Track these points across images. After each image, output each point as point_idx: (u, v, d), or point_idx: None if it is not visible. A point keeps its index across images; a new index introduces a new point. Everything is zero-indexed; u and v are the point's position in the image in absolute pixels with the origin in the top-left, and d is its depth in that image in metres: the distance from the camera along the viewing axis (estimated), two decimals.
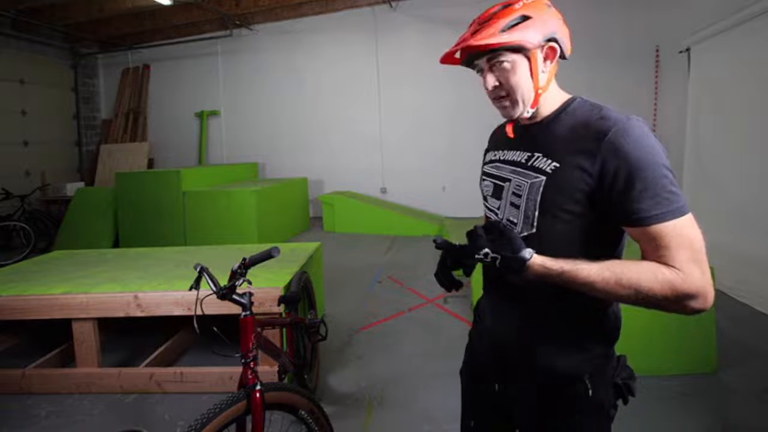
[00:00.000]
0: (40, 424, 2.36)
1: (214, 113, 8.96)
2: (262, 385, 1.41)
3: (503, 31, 0.89)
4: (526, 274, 0.85)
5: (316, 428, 1.56)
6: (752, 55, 4.61)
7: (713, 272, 2.54)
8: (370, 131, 8.17)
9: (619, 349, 1.01)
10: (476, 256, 0.86)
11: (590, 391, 0.93)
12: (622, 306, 0.96)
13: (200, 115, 8.99)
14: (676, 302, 0.80)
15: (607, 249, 0.93)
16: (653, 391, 2.42)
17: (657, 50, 6.84)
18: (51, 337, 3.07)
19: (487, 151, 1.15)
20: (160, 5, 7.28)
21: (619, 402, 0.98)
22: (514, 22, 0.89)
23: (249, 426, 1.42)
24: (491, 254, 0.85)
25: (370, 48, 8.02)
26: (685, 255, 0.81)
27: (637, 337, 2.54)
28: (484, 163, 1.13)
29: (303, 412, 1.54)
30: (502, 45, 0.89)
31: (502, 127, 1.10)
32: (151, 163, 8.92)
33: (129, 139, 8.91)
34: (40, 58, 8.11)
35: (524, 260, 0.84)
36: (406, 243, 6.21)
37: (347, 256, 5.67)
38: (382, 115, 8.12)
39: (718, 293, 3.22)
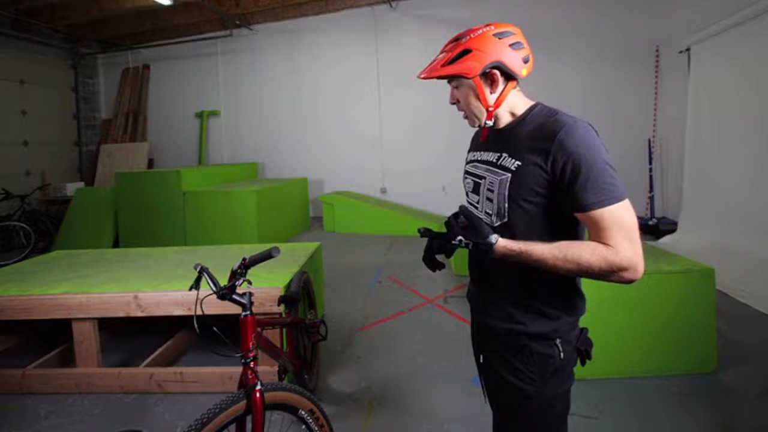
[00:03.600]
0: (40, 424, 2.36)
1: (214, 113, 8.96)
2: (262, 385, 1.41)
3: (449, 63, 1.09)
4: (492, 255, 1.02)
5: (316, 428, 1.56)
6: (752, 55, 4.61)
7: (713, 272, 2.55)
8: (370, 131, 8.17)
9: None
10: (453, 242, 1.03)
11: (562, 354, 1.09)
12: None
13: (200, 115, 8.99)
14: (611, 273, 0.95)
15: (566, 231, 1.07)
16: (653, 391, 2.42)
17: (657, 50, 6.84)
18: (51, 337, 3.07)
19: (468, 152, 1.30)
20: (160, 5, 7.28)
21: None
22: (457, 57, 1.09)
23: (249, 426, 1.42)
24: (464, 241, 1.02)
25: (370, 48, 8.02)
26: (620, 235, 0.95)
27: (637, 337, 2.54)
28: (466, 163, 1.28)
29: (303, 412, 1.54)
30: (443, 76, 1.11)
31: (479, 131, 1.26)
32: (151, 163, 8.91)
33: (129, 139, 8.91)
34: (40, 58, 8.10)
35: (491, 244, 1.01)
36: (406, 243, 6.21)
37: (347, 256, 5.67)
38: (382, 115, 8.12)
39: (719, 293, 3.22)
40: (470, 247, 1.02)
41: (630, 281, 0.96)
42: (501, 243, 1.01)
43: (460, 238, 1.02)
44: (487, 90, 1.10)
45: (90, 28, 8.20)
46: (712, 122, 5.30)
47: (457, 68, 1.08)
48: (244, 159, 8.69)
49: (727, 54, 5.02)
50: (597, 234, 0.98)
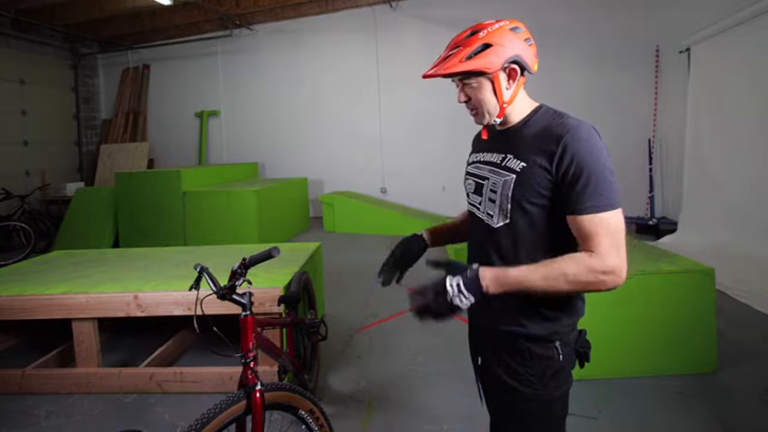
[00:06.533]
0: (40, 424, 2.35)
1: (214, 113, 8.96)
2: (262, 385, 1.41)
3: (468, 58, 1.05)
4: (485, 283, 0.99)
5: (316, 428, 1.56)
6: (752, 55, 4.61)
7: (713, 272, 2.55)
8: (370, 131, 8.17)
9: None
10: (454, 305, 1.00)
11: (561, 356, 1.09)
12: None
13: (200, 115, 8.99)
14: (596, 281, 0.96)
15: (567, 234, 1.04)
16: (653, 391, 2.42)
17: (657, 50, 6.84)
18: (51, 337, 3.07)
19: (470, 153, 1.29)
20: (160, 5, 7.28)
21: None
22: (477, 51, 1.05)
23: (249, 426, 1.42)
24: (454, 285, 0.99)
25: (370, 48, 8.02)
26: (607, 240, 0.96)
27: (637, 338, 2.54)
28: (468, 164, 1.28)
29: (303, 412, 1.53)
30: (464, 71, 1.06)
31: (481, 132, 1.24)
32: (151, 163, 8.91)
33: (129, 139, 8.91)
34: (40, 58, 8.10)
35: (475, 270, 1.00)
36: None
37: (347, 256, 5.67)
38: (382, 115, 8.12)
39: (719, 293, 3.22)
40: (462, 286, 0.99)
41: (612, 287, 0.96)
42: (486, 269, 1.00)
43: (449, 280, 1.00)
44: (504, 85, 1.08)
45: (90, 28, 8.20)
46: (712, 122, 5.29)
47: (479, 63, 1.05)
48: (244, 159, 8.69)
49: (726, 54, 5.02)
50: (584, 238, 0.98)
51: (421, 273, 1.43)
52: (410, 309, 1.06)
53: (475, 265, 1.01)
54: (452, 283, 0.99)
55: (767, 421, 2.18)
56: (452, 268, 1.02)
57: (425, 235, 1.44)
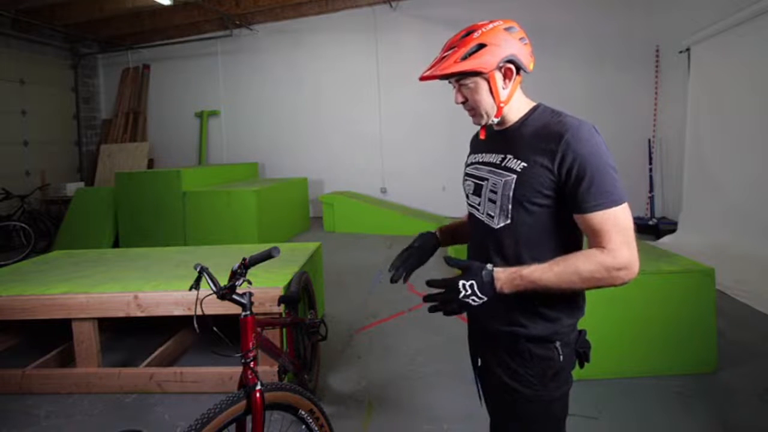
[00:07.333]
0: (40, 424, 2.35)
1: (214, 113, 8.96)
2: (262, 385, 1.41)
3: (463, 59, 1.05)
4: (498, 283, 1.00)
5: (316, 428, 1.56)
6: (752, 55, 4.61)
7: (713, 272, 2.55)
8: (370, 131, 8.17)
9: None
10: (463, 299, 1.00)
11: (561, 357, 1.09)
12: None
13: (200, 115, 8.99)
14: (610, 277, 0.96)
15: (568, 233, 1.07)
16: (653, 391, 2.42)
17: (657, 50, 6.84)
18: (51, 337, 3.07)
19: (468, 154, 1.30)
20: (160, 5, 7.29)
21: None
22: (471, 51, 1.05)
23: (249, 426, 1.42)
24: (466, 284, 0.99)
25: (370, 48, 8.02)
26: (617, 237, 0.97)
27: (637, 337, 2.54)
28: (466, 165, 1.28)
29: (303, 412, 1.53)
30: (460, 72, 1.07)
31: (478, 133, 1.24)
32: (151, 163, 8.91)
33: (129, 139, 8.91)
34: (40, 58, 8.10)
35: (490, 271, 1.00)
36: (406, 243, 6.16)
37: (347, 256, 5.67)
38: (382, 115, 8.12)
39: (719, 293, 3.22)
40: (476, 288, 0.99)
41: (626, 282, 0.98)
42: (500, 271, 1.00)
43: (462, 282, 0.98)
44: (500, 85, 1.09)
45: (90, 28, 8.20)
46: (712, 122, 5.30)
47: (474, 63, 1.05)
48: (244, 159, 8.69)
49: (726, 54, 5.03)
50: (594, 236, 0.99)
51: (425, 272, 1.43)
52: (426, 304, 1.05)
53: (489, 266, 1.01)
54: (465, 285, 0.99)
55: (767, 421, 2.18)
56: (468, 269, 1.01)
57: (438, 234, 1.43)
